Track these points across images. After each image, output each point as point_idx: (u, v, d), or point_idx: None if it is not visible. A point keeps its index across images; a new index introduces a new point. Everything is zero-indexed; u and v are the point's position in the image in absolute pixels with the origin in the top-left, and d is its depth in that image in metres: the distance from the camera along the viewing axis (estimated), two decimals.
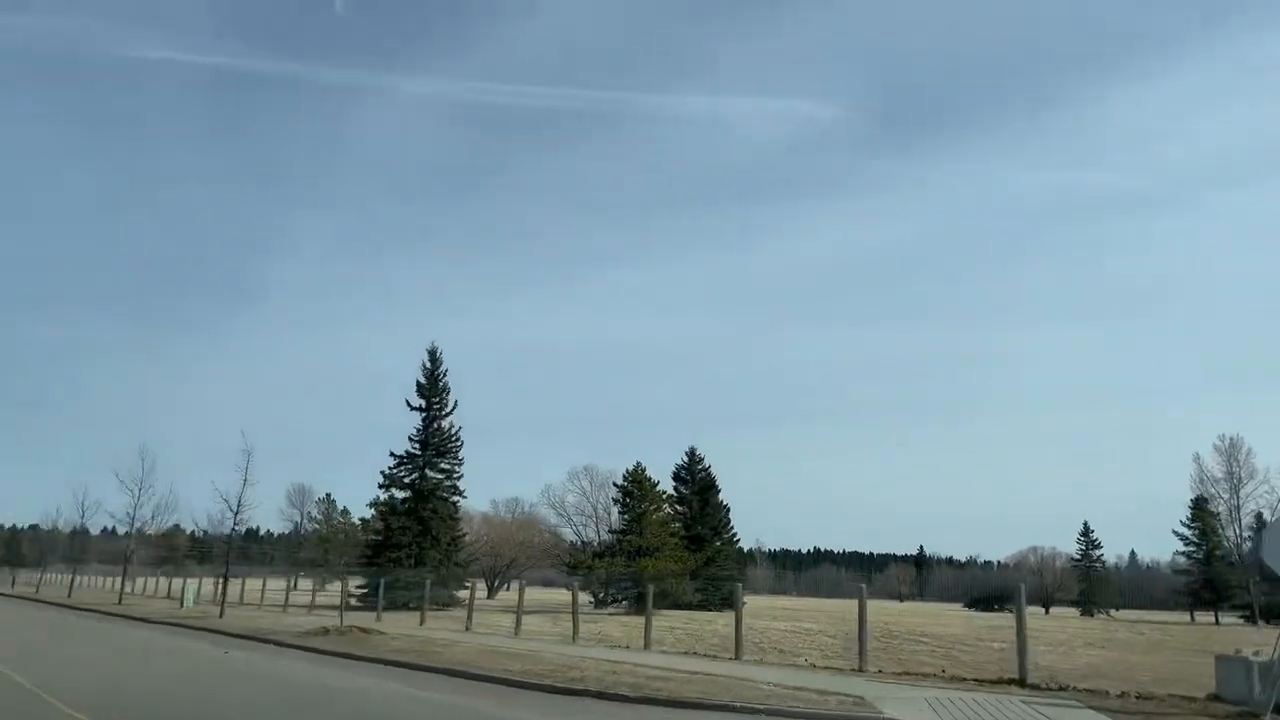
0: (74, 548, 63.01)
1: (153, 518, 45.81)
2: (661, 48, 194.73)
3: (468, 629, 28.83)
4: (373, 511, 52.07)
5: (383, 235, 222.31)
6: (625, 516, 54.43)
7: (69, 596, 53.86)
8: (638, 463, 54.75)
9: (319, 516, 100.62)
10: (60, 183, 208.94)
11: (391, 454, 53.52)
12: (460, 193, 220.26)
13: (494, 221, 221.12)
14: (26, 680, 14.30)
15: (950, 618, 61.14)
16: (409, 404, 53.96)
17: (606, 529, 62.49)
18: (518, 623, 27.23)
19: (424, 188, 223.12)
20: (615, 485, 57.47)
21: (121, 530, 49.23)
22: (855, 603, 19.45)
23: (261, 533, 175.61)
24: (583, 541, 65.10)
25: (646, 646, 22.57)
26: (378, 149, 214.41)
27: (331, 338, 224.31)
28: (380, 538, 52.48)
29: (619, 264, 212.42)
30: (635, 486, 53.75)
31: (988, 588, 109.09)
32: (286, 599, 42.80)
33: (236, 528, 34.69)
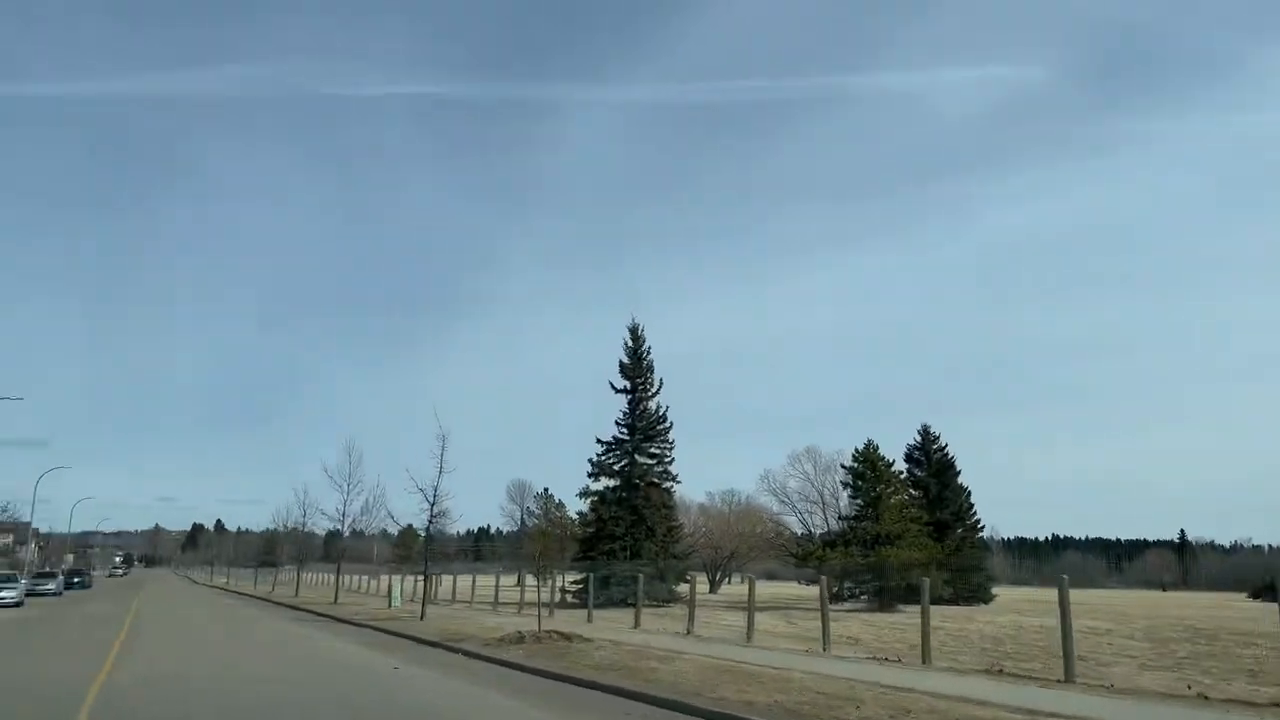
0: (302, 548, 63.53)
1: (362, 513, 44.31)
2: (845, 31, 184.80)
3: (689, 632, 24.17)
4: (585, 503, 48.71)
5: (591, 241, 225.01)
6: (858, 501, 48.31)
7: (295, 595, 53.91)
8: (868, 440, 48.50)
9: (538, 511, 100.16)
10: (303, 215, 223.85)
11: (598, 440, 50.04)
12: (660, 193, 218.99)
13: (697, 219, 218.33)
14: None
15: (1243, 609, 50.72)
16: (613, 386, 50.27)
17: (835, 515, 56.54)
18: (750, 625, 22.19)
19: (627, 191, 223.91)
20: (843, 467, 51.43)
21: (334, 528, 48.40)
22: (1127, 594, 13.00)
23: (491, 530, 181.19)
24: (809, 530, 59.43)
25: (926, 660, 16.96)
26: (585, 158, 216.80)
27: (544, 342, 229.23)
28: (593, 530, 49.06)
29: (825, 250, 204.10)
30: (867, 467, 47.55)
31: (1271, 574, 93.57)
32: (496, 596, 39.89)
33: (434, 519, 31.71)
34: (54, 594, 59.46)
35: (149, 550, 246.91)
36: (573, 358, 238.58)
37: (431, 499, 31.13)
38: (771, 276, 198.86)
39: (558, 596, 41.55)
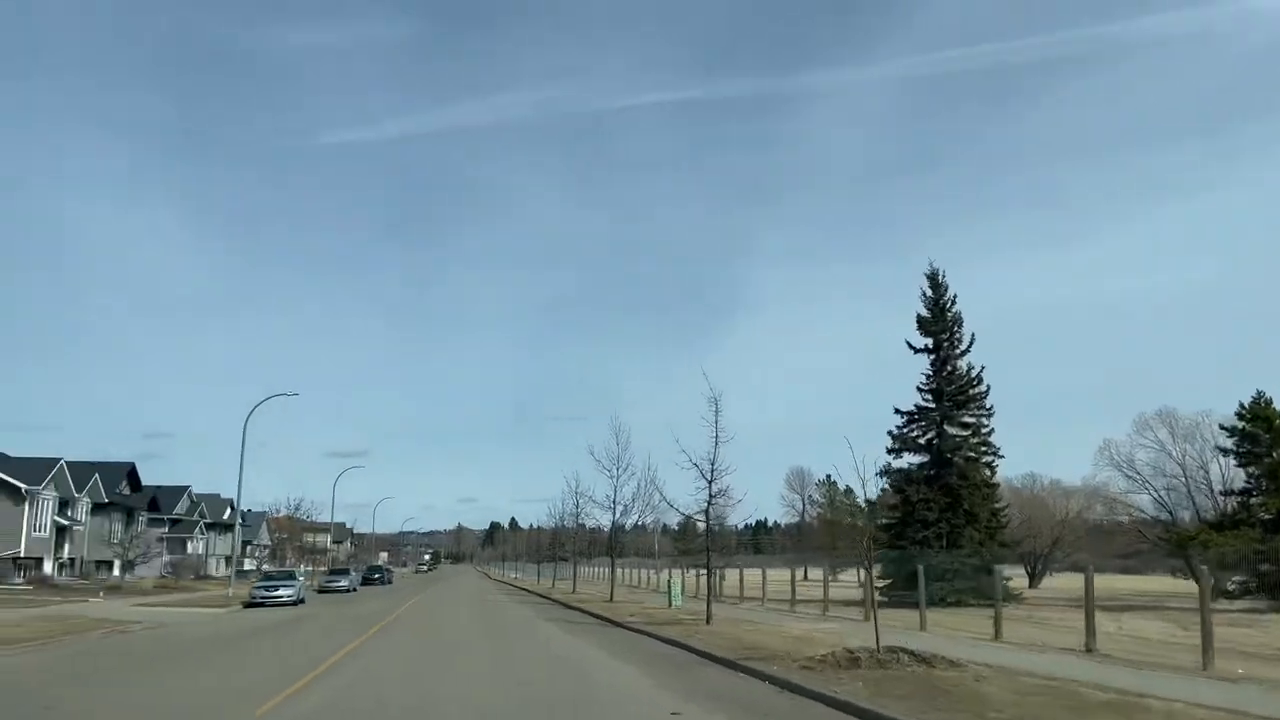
0: (581, 542, 60.45)
1: (633, 499, 39.61)
2: None
3: (1088, 649, 16.65)
4: (884, 483, 41.31)
5: (851, 227, 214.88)
6: (1252, 469, 37.54)
7: (573, 591, 50.47)
8: (1258, 393, 37.55)
9: (821, 500, 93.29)
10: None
11: (897, 410, 42.51)
12: (920, 171, 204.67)
13: (958, 191, 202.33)
14: None
15: None
16: (910, 345, 42.52)
17: (1205, 491, 45.49)
18: (1207, 643, 14.28)
19: (881, 174, 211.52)
20: (1222, 428, 40.50)
21: (608, 521, 44.19)
22: None
23: (769, 524, 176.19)
24: (1169, 510, 48.39)
25: None
26: (836, 145, 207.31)
27: (811, 331, 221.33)
28: (897, 515, 41.61)
29: (1102, 217, 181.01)
30: (1262, 426, 36.69)
31: None
32: (793, 595, 33.58)
33: (714, 499, 25.86)
34: (346, 590, 59.90)
35: (454, 548, 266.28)
36: (843, 345, 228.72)
37: (709, 474, 25.34)
38: (1077, 238, 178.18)
39: (856, 594, 34.78)
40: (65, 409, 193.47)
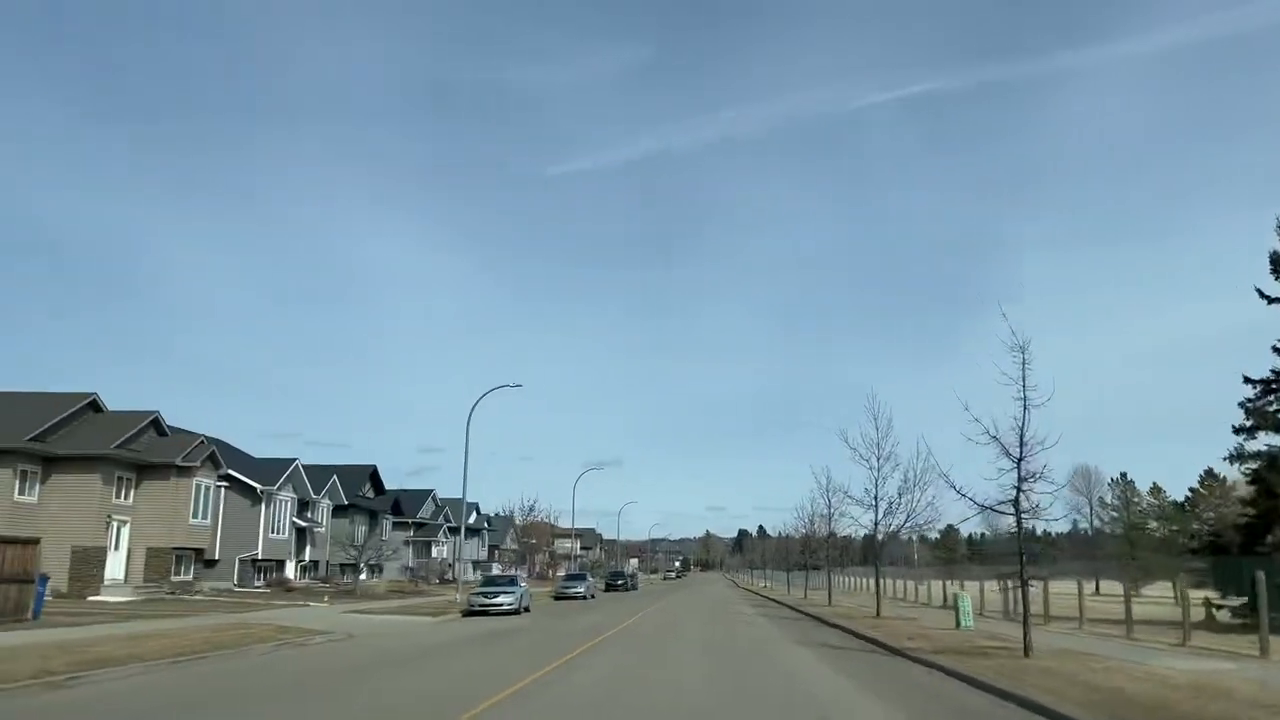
0: (835, 548, 53.44)
1: (899, 494, 32.40)
2: None
3: None
4: (1239, 469, 31.55)
5: (1130, 214, 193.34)
6: None
7: (829, 604, 43.61)
8: None
9: (1115, 501, 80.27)
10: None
11: (1246, 379, 32.57)
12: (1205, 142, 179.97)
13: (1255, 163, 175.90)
14: None
15: None
16: (1262, 294, 32.44)
17: None
18: None
19: (1148, 156, 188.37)
20: None
21: (863, 519, 37.18)
22: None
23: (1037, 532, 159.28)
24: None
25: None
26: (1085, 130, 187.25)
27: (1078, 323, 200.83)
28: (1254, 512, 31.77)
29: None
30: None
31: None
32: (1127, 615, 25.04)
33: (1023, 484, 18.54)
34: (582, 597, 56.10)
35: (703, 555, 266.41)
36: (1125, 334, 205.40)
37: (1018, 451, 18.03)
38: None
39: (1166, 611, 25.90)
40: (353, 424, 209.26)
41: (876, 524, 34.28)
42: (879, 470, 32.87)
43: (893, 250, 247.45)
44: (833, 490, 44.16)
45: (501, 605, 36.27)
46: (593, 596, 59.23)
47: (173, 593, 40.09)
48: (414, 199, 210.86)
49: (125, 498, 39.79)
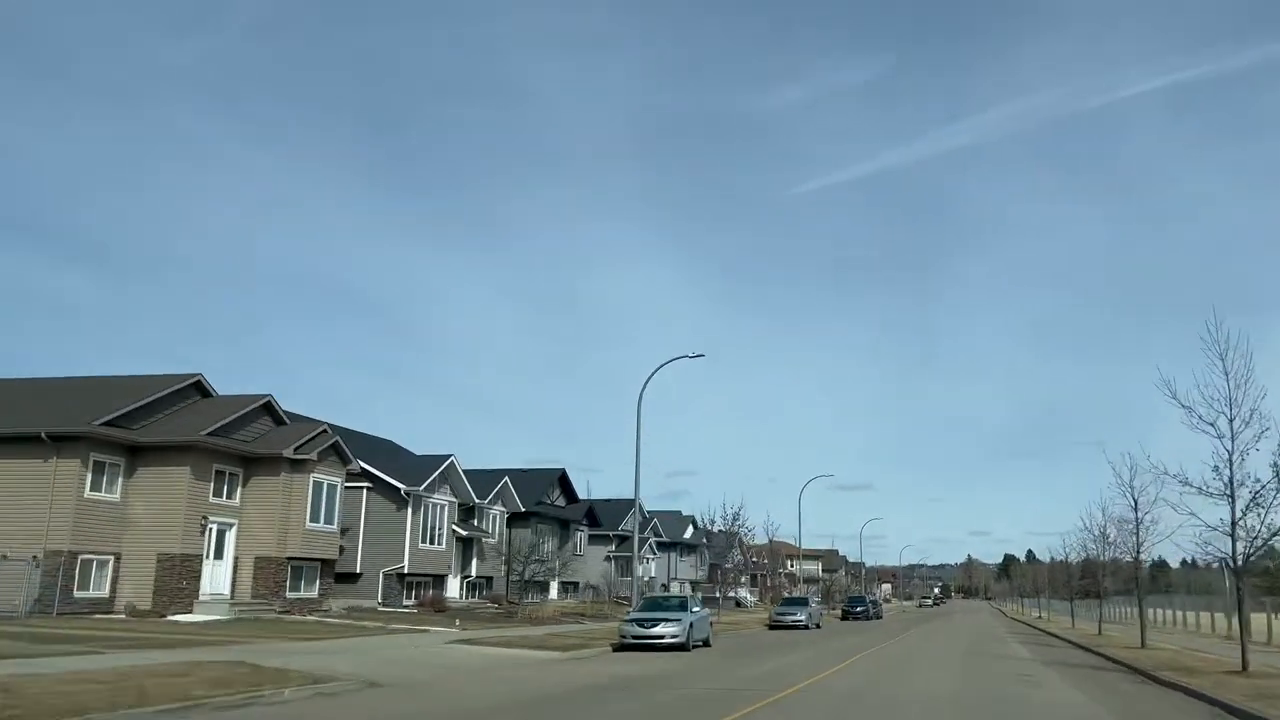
0: (1117, 573, 39.61)
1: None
2: None
3: None
4: None
5: None
6: None
7: (1141, 647, 30.25)
8: None
9: None
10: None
11: None
12: None
13: None
14: None
15: None
16: None
17: None
18: None
19: None
20: None
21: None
22: None
23: None
24: None
25: None
26: None
27: None
28: None
29: None
30: None
31: None
32: None
33: None
34: (802, 626, 45.19)
35: (965, 581, 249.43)
36: None
37: None
38: None
39: None
40: (605, 453, 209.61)
41: (1235, 524, 21.15)
42: (1235, 439, 20.10)
43: (1169, 251, 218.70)
44: (1147, 487, 30.70)
45: (662, 638, 26.31)
46: (817, 626, 48.04)
47: (286, 611, 33.21)
48: (653, 228, 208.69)
49: (229, 496, 33.42)
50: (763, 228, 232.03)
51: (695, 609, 29.13)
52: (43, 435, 29.21)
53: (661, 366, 36.93)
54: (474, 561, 47.50)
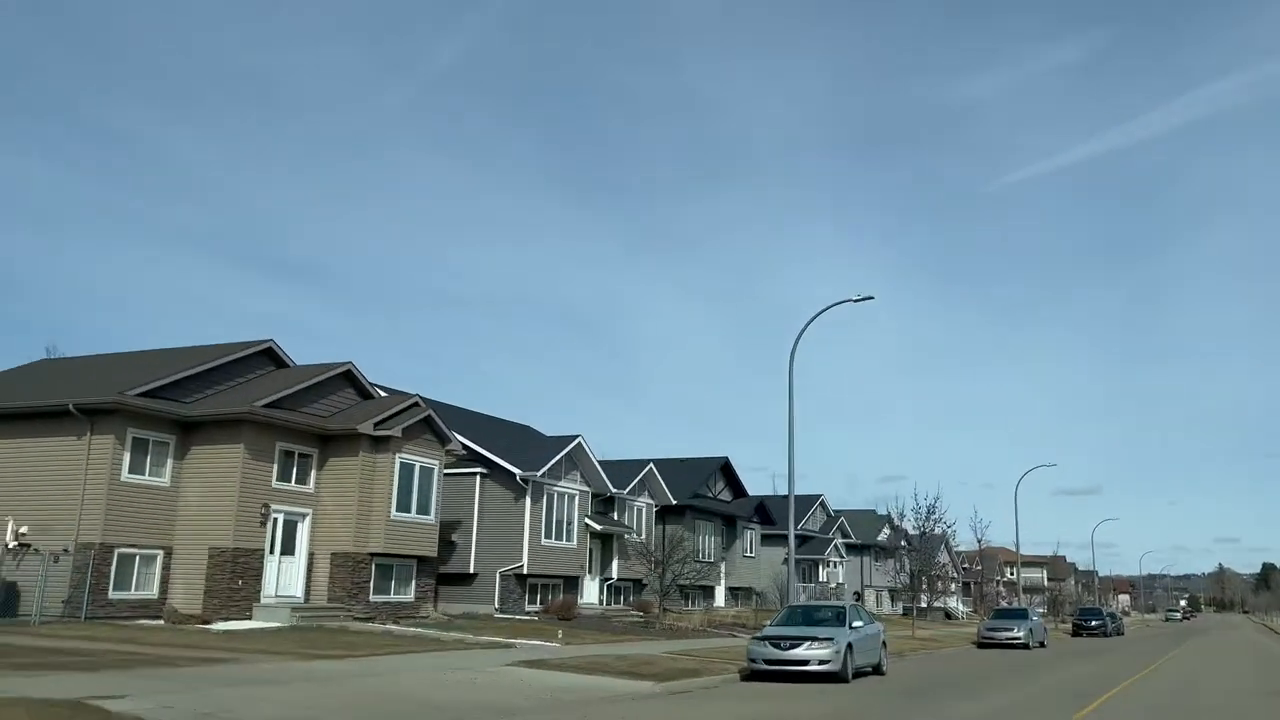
0: None
1: None
2: None
3: None
4: None
5: None
6: None
7: None
8: None
9: None
10: None
11: None
12: None
13: None
14: None
15: None
16: None
17: None
18: None
19: None
20: None
21: None
22: None
23: None
24: None
25: None
26: None
27: None
28: None
29: None
30: None
31: None
32: None
33: None
34: (1020, 645, 35.99)
35: (1216, 593, 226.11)
36: None
37: None
38: None
39: None
40: (811, 459, 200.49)
41: None
42: None
43: None
44: None
45: (806, 663, 18.69)
46: (1040, 644, 38.34)
47: (369, 617, 27.78)
48: (851, 229, 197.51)
49: (300, 481, 28.33)
50: (970, 222, 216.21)
51: (858, 622, 21.04)
52: (71, 408, 24.96)
53: (820, 314, 29.07)
54: (614, 562, 40.88)
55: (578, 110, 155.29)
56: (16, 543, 24.51)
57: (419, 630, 25.91)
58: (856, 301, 28.72)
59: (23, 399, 26.72)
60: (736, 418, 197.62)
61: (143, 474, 25.79)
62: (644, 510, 43.20)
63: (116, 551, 24.91)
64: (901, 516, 47.46)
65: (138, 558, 25.55)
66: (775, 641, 19.31)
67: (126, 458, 25.31)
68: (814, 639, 19.08)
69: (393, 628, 26.43)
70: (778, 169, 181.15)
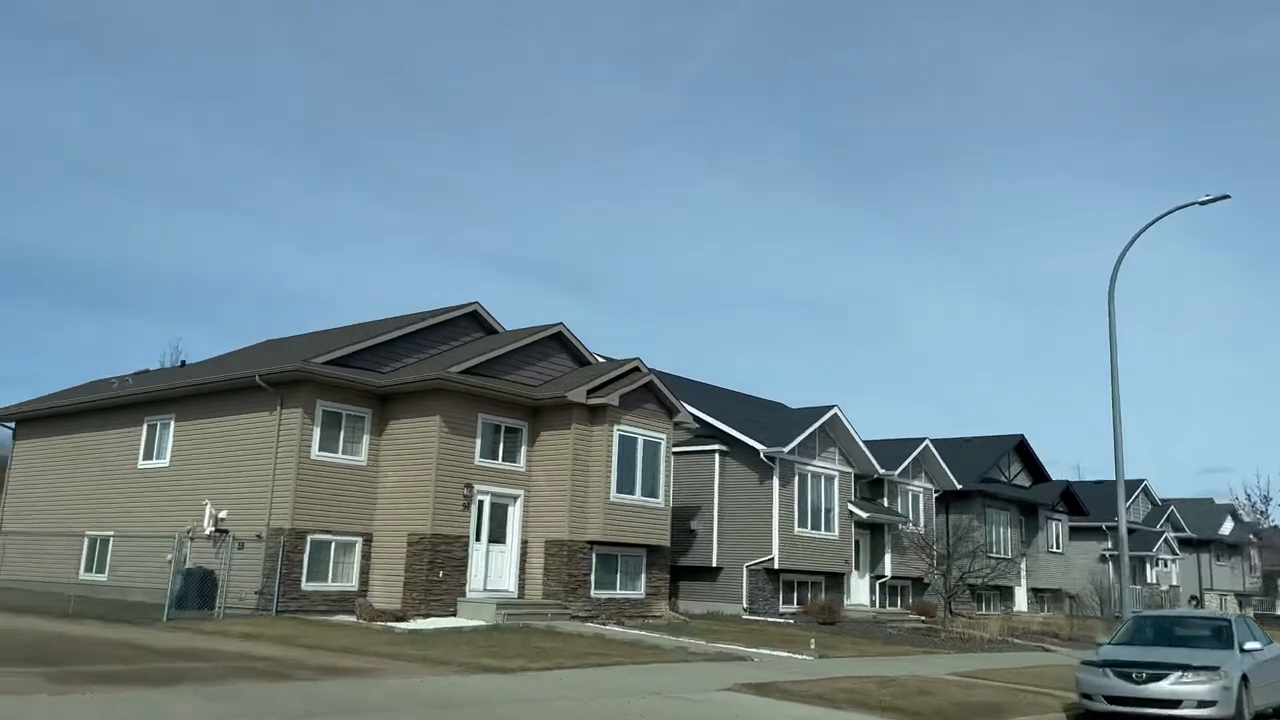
0: None
1: None
2: None
3: None
4: None
5: None
6: None
7: None
8: None
9: None
10: None
11: None
12: None
13: None
14: None
15: None
16: None
17: None
18: None
19: None
20: None
21: None
22: None
23: None
24: None
25: None
26: None
27: None
28: None
29: None
30: None
31: None
32: None
33: None
34: None
35: None
36: None
37: None
38: None
39: None
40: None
41: None
42: None
43: None
44: None
45: (1176, 704, 12.19)
46: None
47: (590, 615, 23.74)
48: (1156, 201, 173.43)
49: (509, 458, 24.79)
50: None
51: (1253, 643, 13.99)
52: (258, 379, 22.81)
53: (1161, 218, 22.02)
54: (886, 556, 34.53)
55: (830, 98, 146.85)
56: (214, 528, 22.65)
57: (639, 634, 21.43)
58: (1204, 204, 21.48)
59: (215, 374, 25.14)
60: (1015, 409, 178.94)
61: (335, 451, 23.18)
62: (920, 496, 36.51)
63: (309, 538, 22.39)
64: (1256, 508, 37.36)
65: (333, 545, 22.96)
66: (1123, 670, 12.87)
67: (316, 433, 22.78)
68: (1186, 667, 12.47)
69: (612, 629, 22.16)
70: (1050, 141, 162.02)
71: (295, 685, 11.86)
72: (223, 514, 22.70)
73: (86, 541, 26.35)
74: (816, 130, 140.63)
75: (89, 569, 26.23)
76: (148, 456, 25.96)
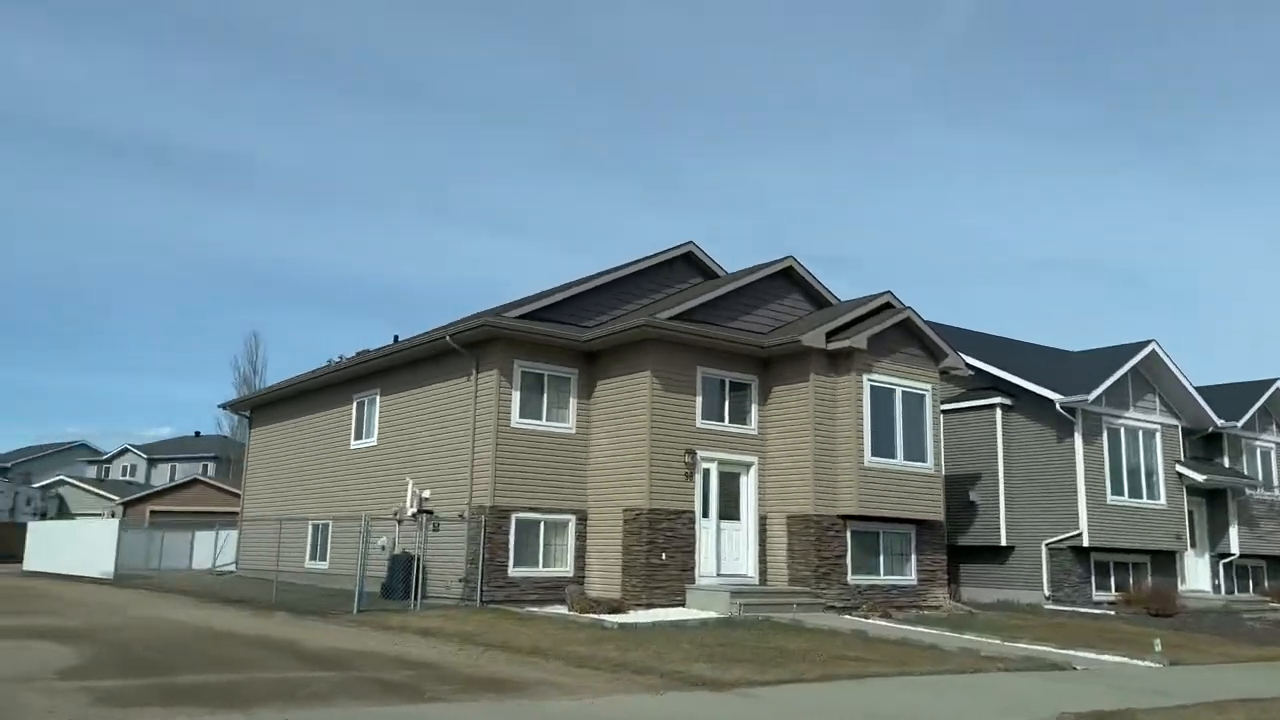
0: None
1: None
2: None
3: None
4: None
5: None
6: None
7: None
8: None
9: None
10: None
11: None
12: None
13: None
14: None
15: None
16: None
17: None
18: None
19: None
20: None
21: None
22: None
23: None
24: None
25: None
26: None
27: None
28: None
29: None
30: None
31: None
32: None
33: None
34: None
35: None
36: None
37: None
38: None
39: None
40: None
41: None
42: None
43: None
44: None
45: None
46: None
47: (847, 606, 19.34)
48: None
49: (737, 419, 20.79)
50: None
51: None
52: (448, 340, 20.26)
53: None
54: (1231, 529, 27.19)
55: (1099, 47, 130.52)
56: (417, 509, 20.38)
57: (910, 630, 16.79)
58: None
59: (411, 341, 22.97)
60: None
61: (538, 418, 20.20)
62: (1273, 452, 28.74)
63: (514, 516, 19.55)
64: None
65: (541, 525, 19.99)
66: None
67: (516, 397, 19.89)
68: None
69: (875, 624, 17.63)
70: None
71: (410, 709, 8.55)
72: (426, 493, 20.35)
73: (310, 528, 25.21)
74: (1089, 84, 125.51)
75: (313, 556, 25.10)
76: (358, 436, 24.37)
